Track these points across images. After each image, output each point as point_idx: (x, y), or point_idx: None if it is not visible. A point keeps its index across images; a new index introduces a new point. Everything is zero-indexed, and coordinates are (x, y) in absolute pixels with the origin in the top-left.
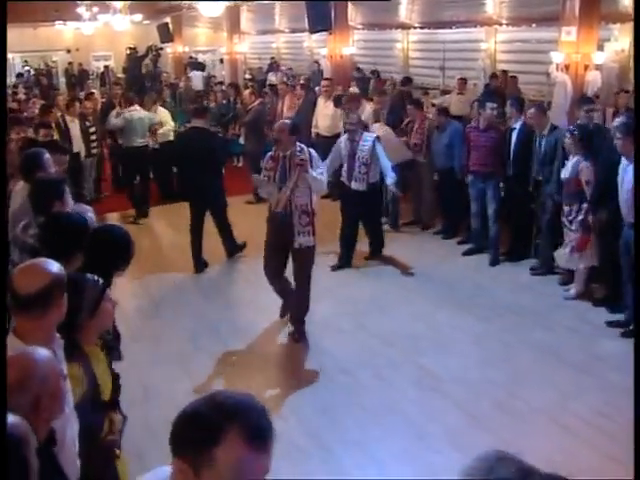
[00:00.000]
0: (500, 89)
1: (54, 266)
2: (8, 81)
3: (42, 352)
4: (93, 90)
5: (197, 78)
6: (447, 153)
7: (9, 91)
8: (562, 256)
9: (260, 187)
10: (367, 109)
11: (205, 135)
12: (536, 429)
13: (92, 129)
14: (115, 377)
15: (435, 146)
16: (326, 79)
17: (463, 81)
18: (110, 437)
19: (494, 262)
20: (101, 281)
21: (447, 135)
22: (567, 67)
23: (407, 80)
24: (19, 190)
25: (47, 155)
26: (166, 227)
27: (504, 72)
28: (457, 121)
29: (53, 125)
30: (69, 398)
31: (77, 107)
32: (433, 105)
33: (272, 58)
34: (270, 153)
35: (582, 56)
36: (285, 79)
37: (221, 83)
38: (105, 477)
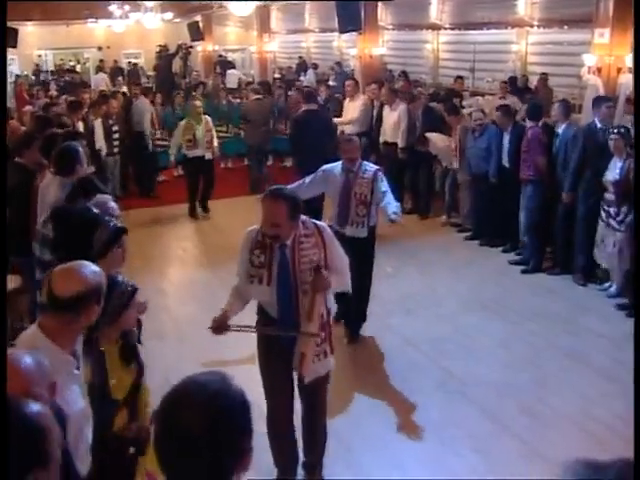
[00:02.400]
0: (534, 92)
1: (93, 272)
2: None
3: (24, 362)
4: (123, 88)
5: (233, 76)
6: (485, 157)
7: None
8: (602, 255)
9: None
10: (402, 107)
11: (319, 116)
12: (559, 433)
13: (115, 127)
14: (136, 373)
15: (472, 150)
16: (350, 79)
17: (505, 84)
18: (126, 433)
19: (532, 270)
20: (131, 286)
21: (485, 139)
22: (599, 70)
23: (459, 79)
24: (49, 183)
25: (81, 149)
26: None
27: (543, 74)
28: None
29: (80, 123)
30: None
31: (103, 109)
32: (462, 107)
33: (300, 57)
34: (254, 235)
35: (615, 58)
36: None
37: (250, 83)
38: (118, 471)
